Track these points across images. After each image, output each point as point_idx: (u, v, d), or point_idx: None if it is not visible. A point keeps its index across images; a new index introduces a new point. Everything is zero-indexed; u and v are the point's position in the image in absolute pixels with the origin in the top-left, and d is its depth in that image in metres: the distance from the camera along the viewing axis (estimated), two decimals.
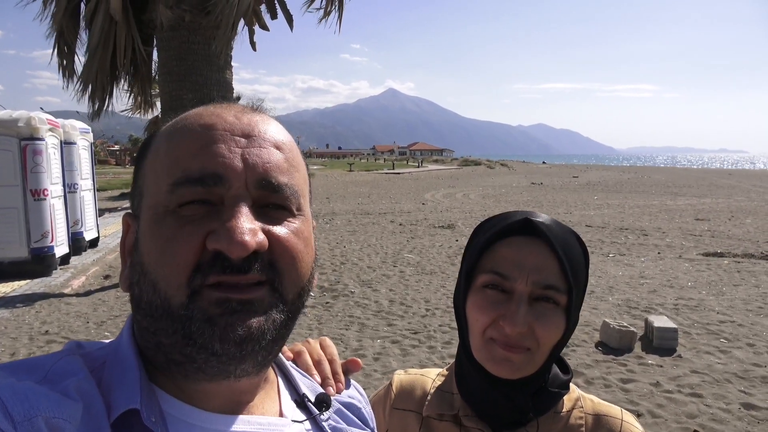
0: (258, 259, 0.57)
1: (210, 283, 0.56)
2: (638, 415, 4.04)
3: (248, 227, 0.56)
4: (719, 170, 67.98)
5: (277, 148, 0.63)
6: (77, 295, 7.56)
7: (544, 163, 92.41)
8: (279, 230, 0.60)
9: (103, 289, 7.84)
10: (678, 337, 5.48)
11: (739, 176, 45.88)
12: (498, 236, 0.93)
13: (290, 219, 0.62)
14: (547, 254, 0.90)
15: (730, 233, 12.92)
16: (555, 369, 0.98)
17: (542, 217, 0.94)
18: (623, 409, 1.00)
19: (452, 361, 1.09)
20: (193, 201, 0.58)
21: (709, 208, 19.01)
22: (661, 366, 4.98)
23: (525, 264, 0.89)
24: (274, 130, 0.65)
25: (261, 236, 0.57)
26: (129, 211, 0.67)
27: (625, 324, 5.58)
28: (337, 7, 7.65)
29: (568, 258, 0.90)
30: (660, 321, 5.66)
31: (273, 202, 0.61)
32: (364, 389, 0.88)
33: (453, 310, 1.02)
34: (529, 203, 20.89)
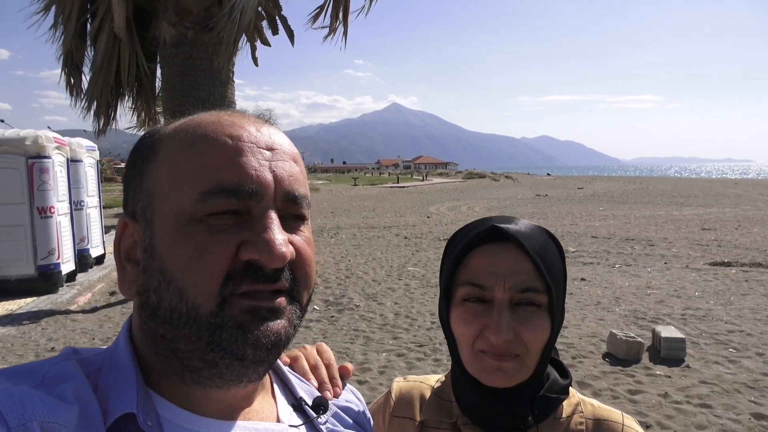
0: (284, 268, 0.60)
1: (242, 291, 0.58)
2: (647, 427, 3.99)
3: (283, 239, 0.59)
4: (725, 180, 67.70)
5: (294, 160, 0.65)
6: (83, 311, 7.56)
7: (548, 174, 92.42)
8: (297, 240, 0.63)
9: (109, 305, 7.85)
10: (686, 348, 5.42)
11: (746, 185, 45.69)
12: (468, 247, 0.93)
13: (302, 228, 0.65)
14: (519, 257, 0.89)
15: (737, 242, 12.84)
16: (554, 374, 0.97)
17: (510, 221, 0.94)
18: (624, 413, 0.98)
19: None
20: (223, 211, 0.58)
21: (715, 217, 18.91)
22: (670, 377, 4.93)
23: (499, 271, 0.89)
24: (288, 143, 0.67)
25: (291, 247, 0.60)
26: (125, 213, 0.66)
27: (633, 335, 5.53)
28: (342, 23, 7.71)
29: (541, 257, 0.89)
30: (667, 331, 5.60)
31: (292, 213, 0.63)
32: (369, 404, 0.88)
33: None
34: (534, 215, 20.84)
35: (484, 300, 0.90)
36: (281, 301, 0.60)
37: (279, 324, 0.60)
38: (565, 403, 0.97)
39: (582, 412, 0.97)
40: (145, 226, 0.61)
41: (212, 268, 0.57)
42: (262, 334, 0.58)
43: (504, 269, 0.89)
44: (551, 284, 0.89)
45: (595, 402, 1.01)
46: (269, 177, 0.60)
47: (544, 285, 0.89)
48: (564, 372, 0.99)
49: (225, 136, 0.61)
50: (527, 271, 0.88)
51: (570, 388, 0.98)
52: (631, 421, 0.97)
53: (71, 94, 7.61)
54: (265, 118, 0.69)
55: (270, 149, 0.63)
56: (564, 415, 0.96)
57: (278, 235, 0.59)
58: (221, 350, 0.57)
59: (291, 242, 0.61)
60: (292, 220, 0.63)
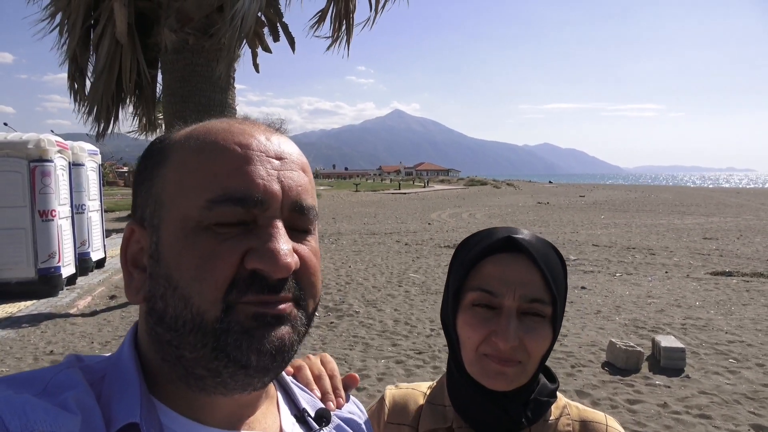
0: (289, 279, 0.59)
1: (246, 300, 0.57)
2: None
3: (288, 249, 0.58)
4: (727, 189, 67.61)
5: (303, 170, 0.65)
6: (83, 315, 7.57)
7: (550, 182, 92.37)
8: (303, 250, 0.62)
9: (108, 309, 7.85)
10: (686, 358, 5.40)
11: (748, 195, 45.60)
12: (482, 255, 0.97)
13: (308, 238, 0.64)
14: (530, 269, 0.94)
15: (738, 252, 12.81)
16: (543, 378, 1.02)
17: (523, 233, 0.98)
18: (606, 415, 1.04)
19: None
20: (230, 219, 0.58)
21: (717, 227, 18.88)
22: (669, 387, 4.91)
23: (511, 280, 0.93)
24: (297, 152, 0.66)
25: (296, 257, 0.60)
26: (133, 219, 0.65)
27: (632, 344, 5.52)
28: (345, 33, 7.73)
29: (549, 270, 0.94)
30: (667, 341, 5.59)
31: (298, 223, 0.63)
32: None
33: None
34: (536, 223, 20.82)
35: (492, 306, 0.94)
36: (287, 307, 0.60)
37: (284, 330, 0.59)
38: (552, 406, 1.02)
39: (569, 414, 1.03)
40: (152, 232, 0.61)
41: (217, 275, 0.57)
42: (267, 340, 0.58)
43: (515, 279, 0.93)
44: (557, 296, 0.94)
45: (580, 405, 1.07)
46: (277, 187, 0.60)
47: (551, 297, 0.94)
48: (552, 376, 1.05)
49: (234, 144, 0.61)
50: (536, 283, 0.93)
51: (556, 391, 1.04)
52: (613, 422, 1.03)
53: (75, 100, 7.64)
54: (276, 126, 0.68)
55: (279, 158, 0.62)
56: (553, 417, 1.01)
57: (283, 245, 0.58)
58: (225, 357, 0.57)
59: (296, 252, 0.60)
60: (298, 231, 0.63)
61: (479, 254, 0.96)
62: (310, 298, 0.63)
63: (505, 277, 0.93)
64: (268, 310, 0.58)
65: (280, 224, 0.59)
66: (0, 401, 0.49)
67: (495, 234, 0.98)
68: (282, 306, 0.59)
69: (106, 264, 11.47)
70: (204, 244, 0.57)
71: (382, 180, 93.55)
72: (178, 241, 0.58)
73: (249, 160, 0.60)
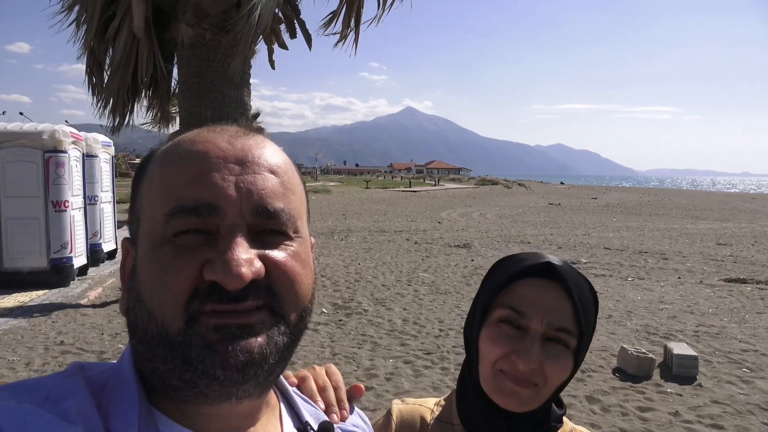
0: (254, 287, 0.57)
1: (207, 311, 0.56)
2: None
3: (244, 258, 0.56)
4: (742, 194, 66.83)
5: (272, 172, 0.63)
6: (93, 306, 7.63)
7: (562, 183, 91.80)
8: (276, 255, 0.60)
9: (119, 300, 7.91)
10: (698, 366, 5.33)
11: (763, 201, 45.03)
12: (518, 275, 0.98)
13: (287, 242, 0.62)
14: (563, 298, 0.94)
15: (753, 259, 12.64)
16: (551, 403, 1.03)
17: (560, 261, 0.99)
18: None
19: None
20: (188, 230, 0.58)
21: (731, 232, 18.65)
22: (681, 395, 4.85)
23: (542, 304, 0.94)
24: (268, 154, 0.64)
25: (257, 264, 0.57)
26: (128, 236, 0.67)
27: (644, 350, 5.46)
28: (354, 30, 7.71)
29: (582, 303, 0.95)
30: (680, 348, 5.52)
31: (269, 228, 0.61)
32: (376, 411, 0.87)
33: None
34: (547, 224, 20.69)
35: (519, 326, 0.95)
36: (257, 317, 0.57)
37: (253, 341, 0.57)
38: (559, 431, 1.03)
39: None
40: (135, 248, 0.63)
41: (175, 287, 0.56)
42: (232, 353, 0.55)
43: (547, 304, 0.94)
44: (584, 330, 0.95)
45: (585, 429, 1.08)
46: (233, 192, 0.58)
47: (578, 329, 0.94)
48: (559, 402, 1.05)
49: (192, 153, 0.61)
50: (567, 313, 0.94)
51: (563, 417, 1.05)
52: None
53: (93, 93, 7.68)
54: (251, 128, 0.68)
55: (240, 163, 0.61)
56: None
57: (239, 254, 0.56)
58: (195, 370, 0.56)
59: (266, 257, 0.59)
60: (270, 236, 0.61)
61: (514, 275, 0.97)
62: (289, 305, 0.60)
63: (537, 300, 0.94)
64: (232, 321, 0.56)
65: (239, 231, 0.58)
66: (1, 412, 0.50)
67: (533, 258, 0.99)
68: (249, 316, 0.57)
69: (117, 255, 11.56)
70: (163, 257, 0.57)
71: (392, 177, 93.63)
72: (146, 256, 0.59)
73: (204, 169, 0.59)
